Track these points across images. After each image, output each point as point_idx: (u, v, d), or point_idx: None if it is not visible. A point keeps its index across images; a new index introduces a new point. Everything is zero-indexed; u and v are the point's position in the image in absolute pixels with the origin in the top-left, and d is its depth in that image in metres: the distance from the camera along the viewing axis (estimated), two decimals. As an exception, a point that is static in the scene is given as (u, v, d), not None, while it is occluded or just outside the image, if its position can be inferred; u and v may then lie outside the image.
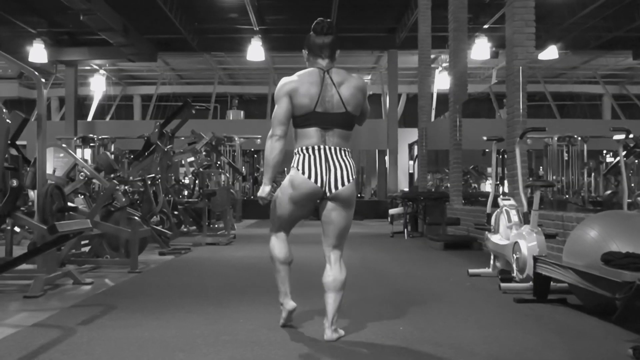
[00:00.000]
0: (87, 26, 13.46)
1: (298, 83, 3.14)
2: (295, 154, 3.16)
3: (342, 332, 3.26)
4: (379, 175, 20.11)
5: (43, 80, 5.01)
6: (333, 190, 3.10)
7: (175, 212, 9.58)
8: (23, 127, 5.08)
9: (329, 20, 3.28)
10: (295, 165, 3.13)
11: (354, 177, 3.15)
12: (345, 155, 3.16)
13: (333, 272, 3.20)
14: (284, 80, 3.19)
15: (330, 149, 3.13)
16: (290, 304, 3.31)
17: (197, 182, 10.72)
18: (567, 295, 4.28)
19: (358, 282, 5.01)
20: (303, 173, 3.10)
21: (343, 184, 3.10)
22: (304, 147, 3.13)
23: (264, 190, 3.21)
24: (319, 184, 3.09)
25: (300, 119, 3.15)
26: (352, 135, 3.25)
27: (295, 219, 3.30)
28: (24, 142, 9.78)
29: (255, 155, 19.41)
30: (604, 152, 14.70)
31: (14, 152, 5.47)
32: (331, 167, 3.10)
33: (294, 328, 3.45)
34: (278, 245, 3.32)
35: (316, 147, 3.12)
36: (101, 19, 12.84)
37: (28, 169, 5.28)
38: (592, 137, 13.66)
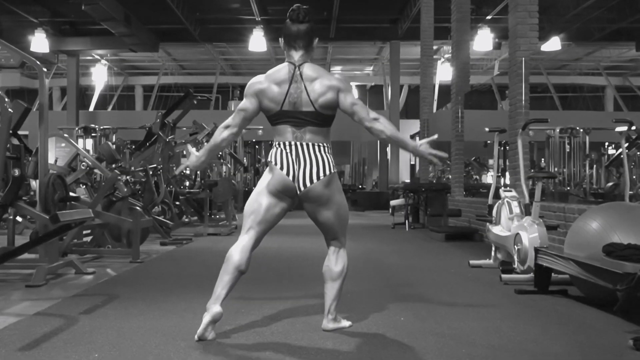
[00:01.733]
0: (89, 16, 13.43)
1: (265, 84, 3.05)
2: (272, 147, 3.11)
3: (345, 323, 3.25)
4: (380, 167, 20.10)
5: (45, 70, 5.00)
6: (302, 188, 2.99)
7: (177, 203, 9.60)
8: (25, 116, 5.08)
9: (305, 7, 3.11)
10: (270, 158, 3.07)
11: (330, 172, 3.01)
12: (321, 151, 3.04)
13: (328, 263, 3.21)
14: (254, 79, 3.12)
15: (303, 145, 3.03)
16: (217, 308, 2.95)
17: (198, 172, 10.72)
18: (568, 286, 4.29)
19: (359, 273, 5.02)
20: (275, 164, 3.03)
21: (312, 181, 2.98)
22: (279, 142, 3.07)
23: (192, 156, 3.25)
24: (290, 177, 3.00)
25: (271, 117, 3.09)
26: (330, 131, 3.12)
27: (268, 218, 3.07)
28: (26, 132, 9.78)
29: (257, 147, 19.41)
30: (606, 144, 14.66)
31: (15, 141, 5.48)
32: (301, 163, 3.00)
33: (290, 319, 3.46)
34: (240, 248, 3.05)
35: (288, 144, 3.04)
36: (103, 9, 12.81)
37: (30, 158, 5.28)
38: (595, 128, 13.62)
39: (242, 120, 3.15)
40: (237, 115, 3.16)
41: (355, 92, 3.28)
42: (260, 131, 16.36)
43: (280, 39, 3.16)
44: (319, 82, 3.02)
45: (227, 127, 3.16)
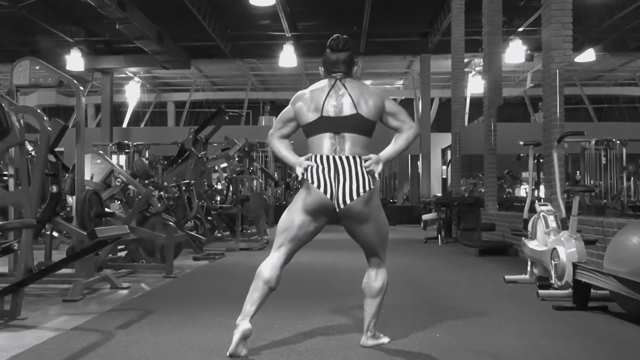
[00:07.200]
0: (123, 35, 13.69)
1: (307, 100, 3.04)
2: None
3: (384, 339, 3.22)
4: (411, 181, 19.97)
5: (81, 88, 5.10)
6: (341, 205, 2.89)
7: (209, 218, 9.66)
8: (62, 134, 5.18)
9: (345, 36, 3.14)
10: (306, 174, 2.95)
11: (369, 187, 2.91)
12: (361, 165, 2.93)
13: (368, 279, 3.18)
14: (299, 93, 3.13)
15: (342, 158, 2.93)
16: (246, 324, 2.90)
17: (230, 187, 10.80)
18: (609, 303, 4.18)
19: (392, 289, 4.95)
20: (312, 182, 2.92)
21: (352, 198, 2.88)
22: (314, 156, 2.97)
23: (297, 162, 2.99)
24: (328, 195, 2.89)
25: (310, 126, 3.02)
26: (371, 143, 3.04)
27: (301, 236, 3.01)
28: (61, 149, 9.99)
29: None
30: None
31: (52, 158, 5.59)
32: (340, 179, 2.89)
33: (325, 336, 3.44)
34: (270, 265, 3.01)
35: (325, 158, 2.94)
36: (136, 28, 13.04)
37: (67, 175, 5.38)
38: (632, 140, 13.37)
39: (292, 130, 3.17)
40: (287, 127, 3.14)
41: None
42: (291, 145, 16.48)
43: (320, 67, 3.18)
44: (361, 90, 3.03)
45: (273, 135, 3.16)
